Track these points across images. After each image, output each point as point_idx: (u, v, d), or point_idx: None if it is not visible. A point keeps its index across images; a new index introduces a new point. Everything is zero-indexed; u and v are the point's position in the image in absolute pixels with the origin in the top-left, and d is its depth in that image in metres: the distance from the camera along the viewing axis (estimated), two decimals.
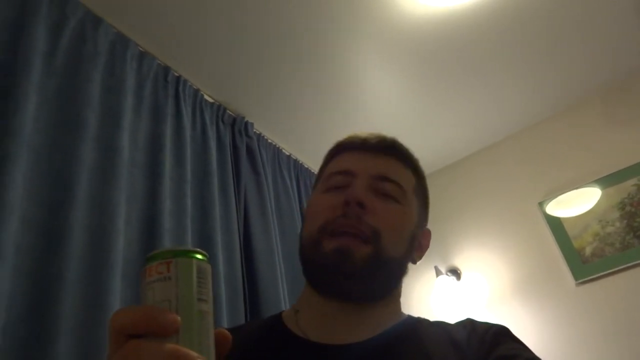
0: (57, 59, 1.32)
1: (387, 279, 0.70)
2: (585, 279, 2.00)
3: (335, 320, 0.67)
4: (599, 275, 1.98)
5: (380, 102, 2.18)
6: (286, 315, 0.73)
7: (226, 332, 0.39)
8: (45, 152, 1.18)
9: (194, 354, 0.33)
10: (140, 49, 1.65)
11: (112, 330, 0.35)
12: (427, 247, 0.80)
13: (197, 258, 0.38)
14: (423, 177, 0.81)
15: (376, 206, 0.67)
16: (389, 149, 0.77)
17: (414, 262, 0.76)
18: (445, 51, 1.95)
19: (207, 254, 0.40)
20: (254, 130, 2.07)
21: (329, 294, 0.68)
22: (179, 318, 0.35)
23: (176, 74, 1.76)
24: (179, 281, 0.36)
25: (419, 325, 0.71)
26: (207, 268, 0.39)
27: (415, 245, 0.75)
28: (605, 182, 2.12)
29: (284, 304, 1.66)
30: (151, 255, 0.38)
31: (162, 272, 0.36)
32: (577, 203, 2.15)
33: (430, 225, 0.82)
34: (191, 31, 1.72)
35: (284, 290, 1.72)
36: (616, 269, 1.95)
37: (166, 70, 1.72)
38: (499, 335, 0.64)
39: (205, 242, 1.51)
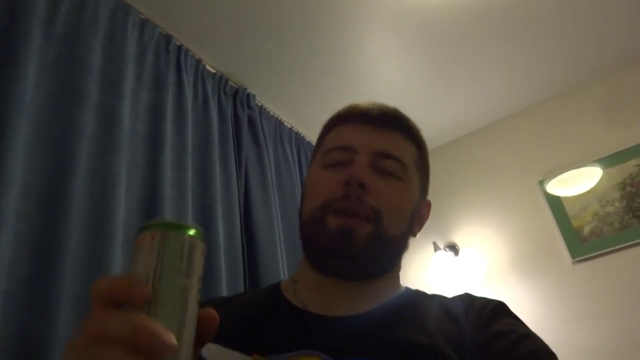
0: (56, 26, 1.30)
1: (388, 257, 0.71)
2: (583, 257, 2.02)
3: (333, 294, 0.68)
4: (596, 254, 1.99)
5: (385, 76, 2.15)
6: (284, 285, 0.74)
7: (213, 313, 0.38)
8: (46, 120, 1.17)
9: (159, 327, 0.32)
10: (142, 16, 1.62)
11: (91, 297, 0.35)
12: (426, 217, 0.79)
13: (186, 233, 0.37)
14: (425, 148, 0.79)
15: (377, 185, 0.67)
16: (391, 122, 0.75)
17: (414, 235, 0.76)
18: (451, 26, 1.92)
19: (202, 231, 0.38)
20: (256, 102, 2.05)
21: (327, 273, 0.68)
22: (150, 290, 0.34)
23: (178, 43, 1.73)
24: (161, 255, 0.36)
25: (417, 298, 0.72)
26: (198, 244, 0.38)
27: (416, 219, 0.75)
28: (606, 162, 2.11)
29: (283, 275, 1.67)
30: (142, 226, 0.37)
31: (147, 244, 0.36)
32: (577, 182, 2.15)
33: (430, 201, 0.82)
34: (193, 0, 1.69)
35: (283, 262, 1.73)
36: (613, 248, 1.96)
37: (168, 39, 1.69)
38: (496, 311, 0.65)
39: (205, 212, 1.51)
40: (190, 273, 0.36)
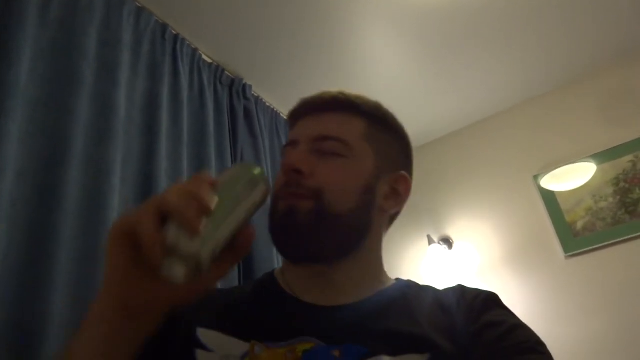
0: (51, 11, 1.29)
1: (339, 235, 0.67)
2: (575, 252, 2.03)
3: (311, 282, 0.68)
4: (588, 249, 2.01)
5: (382, 69, 2.15)
6: (277, 274, 0.74)
7: (253, 230, 0.50)
8: (41, 106, 1.16)
9: (205, 196, 0.44)
10: (138, 4, 1.61)
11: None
12: (405, 194, 0.75)
13: (254, 172, 0.54)
14: (380, 118, 0.76)
15: (314, 168, 0.67)
16: (330, 105, 0.74)
17: (386, 211, 0.73)
18: (449, 22, 1.91)
19: (268, 180, 0.55)
20: (252, 92, 2.05)
21: (286, 256, 0.71)
22: (213, 179, 0.48)
23: (174, 32, 1.72)
24: (235, 173, 0.54)
25: (409, 289, 0.72)
26: (261, 183, 0.54)
27: (380, 193, 0.72)
28: (601, 157, 2.12)
29: (277, 265, 1.67)
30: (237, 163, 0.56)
31: (235, 168, 0.59)
32: (571, 177, 2.16)
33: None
34: None
35: (277, 254, 1.73)
36: (606, 243, 1.98)
37: (164, 27, 1.68)
38: (488, 302, 0.66)
39: None
40: (249, 193, 0.51)
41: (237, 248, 0.49)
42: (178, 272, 0.42)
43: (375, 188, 0.71)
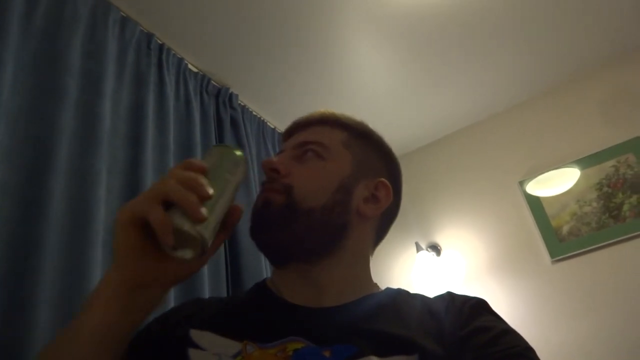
0: (35, 22, 1.27)
1: (311, 229, 0.68)
2: (561, 257, 2.05)
3: (297, 283, 0.70)
4: (574, 253, 2.03)
5: (368, 78, 2.16)
6: (268, 281, 0.76)
7: (240, 206, 0.58)
8: (23, 117, 1.14)
9: (204, 182, 0.50)
10: (122, 14, 1.60)
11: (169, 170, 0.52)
12: (385, 200, 0.76)
13: (236, 153, 0.59)
14: (361, 131, 0.80)
15: (292, 169, 0.72)
16: (316, 120, 0.80)
17: (366, 215, 0.73)
18: (435, 29, 1.94)
19: (246, 158, 0.56)
20: (239, 102, 2.04)
21: (268, 257, 0.75)
22: (206, 165, 0.53)
23: (159, 42, 1.72)
24: (219, 158, 0.57)
25: (399, 296, 0.73)
26: (241, 163, 0.59)
27: (358, 196, 0.73)
28: (584, 162, 2.15)
29: (266, 275, 1.66)
30: (214, 145, 0.58)
31: (212, 152, 0.59)
32: (556, 183, 2.19)
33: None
34: None
35: (266, 264, 1.73)
36: (591, 247, 2.00)
37: (149, 37, 1.68)
38: (477, 308, 0.66)
39: None
40: (233, 175, 0.56)
41: (228, 224, 0.56)
42: (187, 253, 0.49)
43: (351, 189, 0.73)
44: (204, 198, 0.49)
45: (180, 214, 0.48)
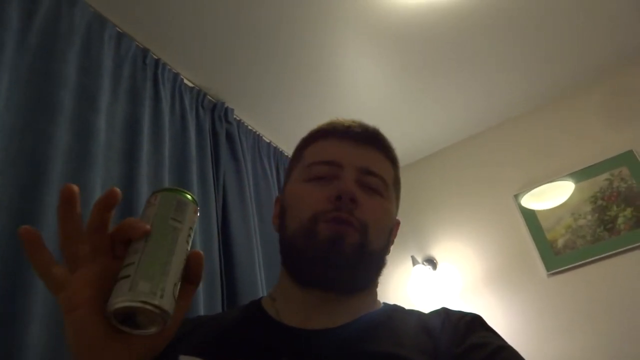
0: (30, 37, 1.28)
1: (369, 271, 0.71)
2: (557, 270, 2.05)
3: (313, 308, 0.68)
4: (569, 266, 2.03)
5: (363, 93, 2.17)
6: (265, 302, 0.74)
7: (199, 252, 0.48)
8: (18, 132, 1.14)
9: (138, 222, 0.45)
10: (118, 29, 1.61)
11: None
12: (394, 237, 0.80)
13: (180, 194, 0.49)
14: (399, 168, 0.82)
15: (364, 201, 0.68)
16: (372, 139, 0.76)
17: (388, 252, 0.76)
18: (430, 43, 1.95)
19: (194, 196, 0.50)
20: (234, 116, 2.05)
21: (312, 285, 0.68)
22: (148, 226, 0.45)
23: (155, 57, 1.73)
24: (160, 206, 0.48)
25: (394, 313, 0.72)
26: (189, 203, 0.49)
27: (391, 237, 0.77)
28: (578, 176, 2.16)
29: (262, 290, 1.66)
30: (153, 192, 0.50)
31: (152, 201, 0.48)
32: (551, 196, 2.20)
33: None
34: (171, 14, 1.68)
35: (261, 277, 1.72)
36: (586, 260, 2.00)
37: (145, 52, 1.68)
38: (472, 324, 0.66)
39: None
40: (182, 220, 0.47)
41: (191, 277, 0.48)
42: (149, 329, 0.43)
43: (392, 232, 0.76)
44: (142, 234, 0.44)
45: (128, 287, 0.41)
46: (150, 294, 0.41)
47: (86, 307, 0.42)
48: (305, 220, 0.67)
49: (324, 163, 0.72)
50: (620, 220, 2.01)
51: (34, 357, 0.94)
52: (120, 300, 0.41)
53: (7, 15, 1.20)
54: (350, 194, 0.66)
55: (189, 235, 0.48)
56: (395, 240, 0.81)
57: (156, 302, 0.41)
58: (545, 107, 2.40)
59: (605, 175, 2.10)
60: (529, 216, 2.20)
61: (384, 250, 0.73)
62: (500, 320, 2.02)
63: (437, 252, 2.39)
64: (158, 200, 0.48)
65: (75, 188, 0.46)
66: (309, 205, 0.68)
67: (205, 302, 1.43)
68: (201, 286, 1.43)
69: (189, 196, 0.50)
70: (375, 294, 0.76)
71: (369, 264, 0.69)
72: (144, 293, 0.41)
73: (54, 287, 0.45)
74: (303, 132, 0.83)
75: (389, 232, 0.74)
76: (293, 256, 0.70)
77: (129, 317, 0.42)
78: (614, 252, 1.97)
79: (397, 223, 0.80)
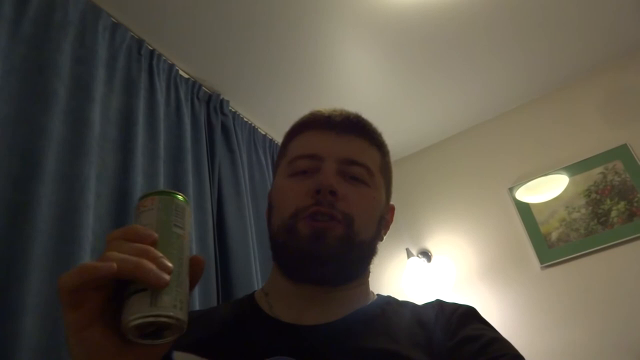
0: (24, 26, 1.26)
1: (359, 262, 0.70)
2: (550, 262, 2.07)
3: (305, 302, 0.68)
4: (563, 259, 2.05)
5: (359, 84, 2.17)
6: (258, 296, 0.74)
7: (200, 257, 0.47)
8: (11, 123, 1.13)
9: (160, 254, 0.41)
10: (113, 20, 1.59)
11: (107, 240, 0.43)
12: (391, 222, 0.79)
13: (177, 198, 0.48)
14: (387, 152, 0.79)
15: (347, 192, 0.67)
16: (354, 127, 0.75)
17: (382, 240, 0.76)
18: (426, 35, 1.95)
19: (186, 198, 0.49)
20: (230, 108, 2.04)
21: (301, 279, 0.68)
22: (155, 234, 0.43)
23: (150, 48, 1.71)
24: (159, 211, 0.46)
25: (388, 306, 0.72)
26: (185, 207, 0.48)
27: (383, 224, 0.75)
28: (572, 169, 2.17)
29: (257, 284, 1.66)
30: (141, 195, 0.48)
31: (148, 205, 0.46)
32: (545, 189, 2.21)
33: (403, 208, 0.83)
34: (166, 4, 1.67)
35: (256, 270, 1.72)
36: (580, 253, 2.02)
37: (140, 43, 1.67)
38: (466, 316, 0.66)
39: None
40: (183, 226, 0.47)
41: (192, 279, 0.47)
42: (166, 338, 0.43)
43: (382, 219, 0.74)
44: (168, 273, 0.41)
45: (147, 297, 0.40)
46: (172, 307, 0.41)
47: (99, 325, 0.41)
48: (286, 218, 0.67)
49: (305, 157, 0.72)
50: (613, 213, 2.02)
51: (28, 347, 0.94)
52: (143, 315, 0.40)
53: (0, 5, 1.18)
54: (330, 187, 0.65)
55: (189, 241, 0.48)
56: (390, 233, 0.81)
57: (180, 316, 0.41)
58: (540, 101, 2.41)
59: (600, 169, 2.11)
60: (523, 209, 2.21)
61: (374, 239, 0.71)
62: (494, 312, 2.04)
63: (431, 245, 2.40)
64: (157, 204, 0.46)
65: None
66: (291, 200, 0.67)
67: (200, 297, 1.43)
68: None
69: (181, 198, 0.48)
70: (368, 284, 0.76)
71: (358, 254, 0.69)
72: (165, 307, 0.40)
73: (74, 306, 0.41)
74: None
75: (378, 220, 0.72)
76: (279, 253, 0.70)
77: (145, 329, 0.41)
78: (607, 245, 1.98)
79: (391, 208, 0.79)
